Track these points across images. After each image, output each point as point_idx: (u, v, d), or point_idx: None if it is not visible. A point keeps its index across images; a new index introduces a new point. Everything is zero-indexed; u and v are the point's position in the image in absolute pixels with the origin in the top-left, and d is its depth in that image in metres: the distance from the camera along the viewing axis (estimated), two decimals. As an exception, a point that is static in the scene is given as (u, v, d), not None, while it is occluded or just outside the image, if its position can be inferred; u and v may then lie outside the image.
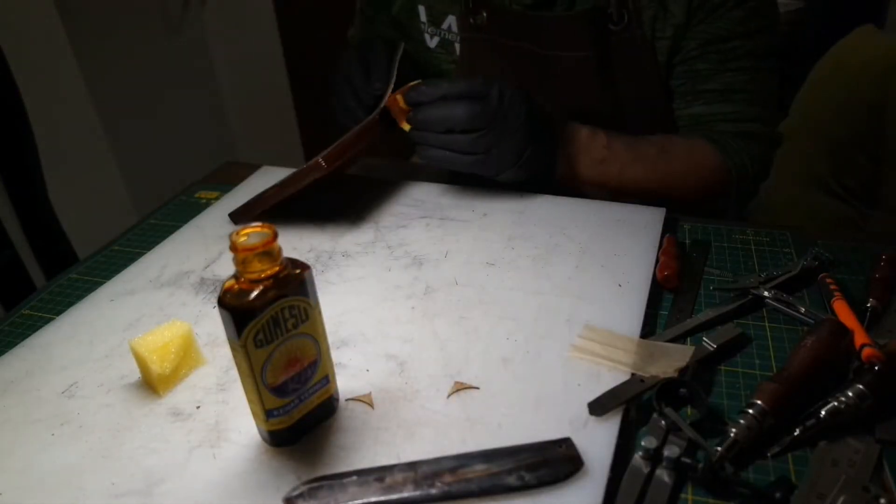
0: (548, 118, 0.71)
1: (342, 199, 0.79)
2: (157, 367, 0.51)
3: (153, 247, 0.73)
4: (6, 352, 0.58)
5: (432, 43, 0.84)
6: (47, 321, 0.62)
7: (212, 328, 0.59)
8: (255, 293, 0.40)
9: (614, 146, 0.74)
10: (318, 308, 0.44)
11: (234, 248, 0.39)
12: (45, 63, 1.53)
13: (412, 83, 0.71)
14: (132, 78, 1.76)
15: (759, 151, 0.80)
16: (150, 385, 0.52)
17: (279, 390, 0.43)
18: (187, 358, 0.53)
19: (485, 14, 0.78)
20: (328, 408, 0.48)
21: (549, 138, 0.71)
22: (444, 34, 0.82)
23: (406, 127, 0.71)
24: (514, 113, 0.67)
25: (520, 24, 0.78)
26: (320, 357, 0.45)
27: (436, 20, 0.82)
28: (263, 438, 0.46)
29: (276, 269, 0.40)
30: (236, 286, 0.40)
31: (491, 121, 0.66)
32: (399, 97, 0.70)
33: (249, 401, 0.44)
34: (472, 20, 0.79)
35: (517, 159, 0.68)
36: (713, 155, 0.77)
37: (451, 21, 0.82)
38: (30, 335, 0.60)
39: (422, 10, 0.82)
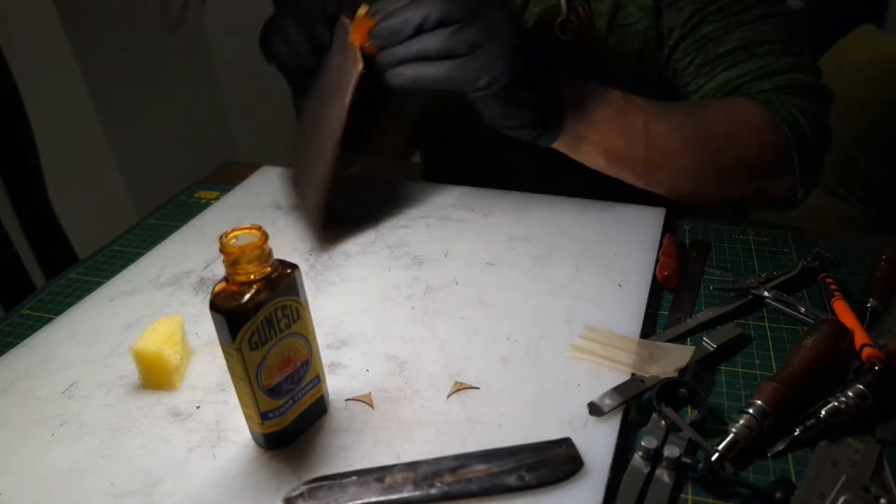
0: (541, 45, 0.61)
1: (342, 199, 0.79)
2: (172, 359, 0.51)
3: (153, 247, 0.73)
4: (6, 352, 0.58)
5: None
6: (47, 321, 0.62)
7: (211, 328, 0.58)
8: (248, 295, 0.40)
9: (633, 98, 0.63)
10: (308, 308, 0.44)
11: (224, 250, 0.39)
12: (45, 63, 1.53)
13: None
14: (132, 77, 1.76)
15: (810, 104, 0.66)
16: (162, 382, 0.52)
17: (274, 392, 0.43)
18: (186, 350, 0.54)
19: None
20: (320, 407, 0.48)
21: (546, 60, 0.59)
22: None
23: (373, 51, 0.57)
24: (500, 3, 0.55)
25: None
26: (311, 356, 0.45)
27: None
28: (258, 443, 0.46)
29: (267, 270, 0.41)
30: (227, 289, 0.40)
31: (472, 9, 0.53)
32: (361, 17, 0.58)
33: (244, 405, 0.44)
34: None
35: (510, 61, 0.54)
36: (756, 110, 0.64)
37: None
38: (30, 335, 0.60)
39: None
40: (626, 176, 0.66)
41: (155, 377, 0.52)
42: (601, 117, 0.61)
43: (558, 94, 0.60)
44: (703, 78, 0.69)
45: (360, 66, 0.56)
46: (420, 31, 0.54)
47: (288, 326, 0.42)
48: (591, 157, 0.64)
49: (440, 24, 0.53)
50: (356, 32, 0.58)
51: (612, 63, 0.74)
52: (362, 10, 0.57)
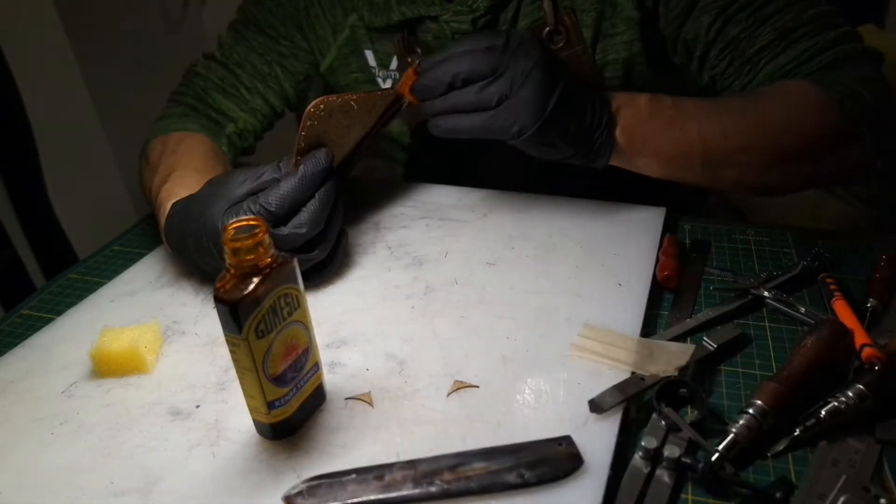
0: (576, 77, 0.62)
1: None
2: (137, 344, 0.53)
3: (153, 247, 0.72)
4: (6, 352, 0.58)
5: (386, 85, 0.82)
6: (47, 321, 0.62)
7: (211, 328, 0.59)
8: (253, 284, 0.40)
9: (683, 104, 0.64)
10: (305, 296, 0.45)
11: (225, 242, 0.40)
12: (45, 63, 1.53)
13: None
14: (132, 78, 1.76)
15: (864, 72, 0.65)
16: (135, 367, 0.53)
17: (279, 380, 0.44)
18: (146, 337, 0.55)
19: (419, 50, 0.77)
20: (320, 396, 0.49)
21: (583, 94, 0.61)
22: (394, 75, 0.81)
23: (412, 99, 0.63)
24: (525, 53, 0.57)
25: None
26: (311, 344, 0.46)
27: (384, 62, 0.81)
28: (264, 434, 0.47)
29: (268, 260, 0.41)
30: (230, 281, 0.41)
31: (497, 65, 0.57)
32: (409, 73, 0.62)
33: (249, 396, 0.44)
34: (408, 59, 0.78)
35: (540, 109, 0.58)
36: (809, 88, 0.63)
37: (395, 60, 0.81)
38: (30, 335, 0.60)
39: (369, 54, 0.81)
40: (688, 179, 0.66)
41: (127, 364, 0.53)
42: (653, 130, 0.63)
43: (603, 118, 0.62)
44: (747, 77, 0.69)
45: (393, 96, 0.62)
46: (452, 87, 0.59)
47: (290, 314, 0.43)
48: (649, 168, 0.66)
49: (469, 81, 0.58)
50: (403, 85, 0.62)
51: (599, 70, 0.75)
52: (410, 70, 0.62)
